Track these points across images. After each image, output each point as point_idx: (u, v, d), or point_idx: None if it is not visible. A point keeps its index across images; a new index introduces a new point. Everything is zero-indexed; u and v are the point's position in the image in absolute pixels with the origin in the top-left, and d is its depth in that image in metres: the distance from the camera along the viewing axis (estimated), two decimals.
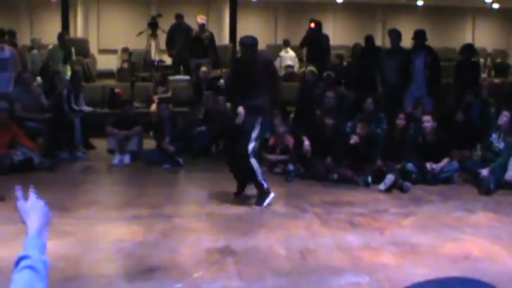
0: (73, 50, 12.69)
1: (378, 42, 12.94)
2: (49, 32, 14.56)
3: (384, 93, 10.65)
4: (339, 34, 17.88)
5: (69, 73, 12.19)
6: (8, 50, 10.51)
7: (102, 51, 17.44)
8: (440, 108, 10.00)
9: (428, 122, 8.37)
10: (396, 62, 10.35)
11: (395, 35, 10.78)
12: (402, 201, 7.34)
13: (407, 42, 11.09)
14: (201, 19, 13.59)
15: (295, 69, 15.11)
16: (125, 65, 14.49)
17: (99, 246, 5.44)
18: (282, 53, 15.97)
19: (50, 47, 12.85)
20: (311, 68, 11.42)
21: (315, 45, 12.56)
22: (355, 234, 5.79)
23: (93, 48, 16.68)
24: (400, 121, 8.64)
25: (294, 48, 15.79)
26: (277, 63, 15.51)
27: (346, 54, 16.31)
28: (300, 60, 15.12)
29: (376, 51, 11.56)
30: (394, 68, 10.37)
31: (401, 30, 11.02)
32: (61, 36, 12.52)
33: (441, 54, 11.73)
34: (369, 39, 11.68)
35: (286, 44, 16.14)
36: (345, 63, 14.18)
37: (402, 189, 7.71)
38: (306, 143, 8.63)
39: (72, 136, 10.21)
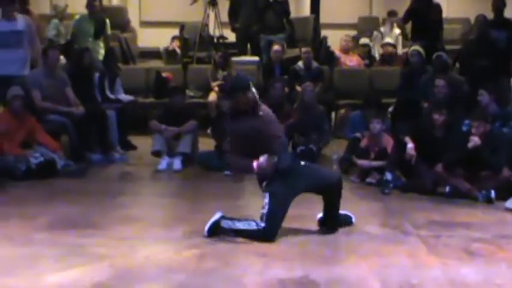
0: (107, 21, 12.82)
1: (509, 13, 12.79)
2: None
3: None
4: (454, 3, 17.72)
5: (102, 51, 12.39)
6: (21, 20, 10.16)
7: (146, 24, 17.78)
8: None
9: None
10: None
11: None
12: None
13: None
14: None
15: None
16: (175, 44, 14.67)
17: (141, 275, 5.52)
18: (384, 29, 15.80)
19: (77, 17, 13.03)
20: (416, 47, 11.37)
21: (422, 18, 12.48)
22: (473, 266, 5.74)
23: (133, 20, 16.97)
24: None
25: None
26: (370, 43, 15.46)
27: (463, 29, 16.20)
28: (406, 38, 15.01)
29: (509, 25, 11.44)
30: None
31: None
32: (91, 4, 12.66)
33: None
34: (499, 2, 11.54)
35: (392, 15, 15.86)
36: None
37: None
38: (410, 145, 8.59)
39: (106, 133, 10.41)
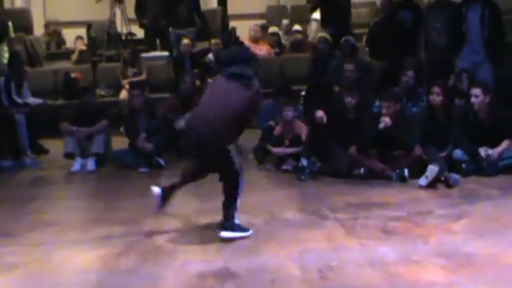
0: (10, 24, 12.66)
1: None
2: None
3: (427, 59, 10.70)
4: None
5: (6, 55, 12.17)
6: None
7: None
8: (503, 76, 10.03)
9: (477, 96, 8.39)
10: (443, 18, 10.44)
11: None
12: (450, 199, 7.36)
13: None
14: None
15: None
16: (80, 45, 14.52)
17: (58, 279, 5.45)
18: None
19: None
20: (323, 34, 11.51)
21: (331, 5, 12.57)
22: (390, 245, 5.82)
23: (38, 22, 16.67)
24: (435, 97, 8.61)
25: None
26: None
27: (370, 13, 16.38)
28: None
29: (412, 5, 11.62)
30: (440, 27, 10.45)
31: None
32: None
33: (503, 5, 11.64)
34: None
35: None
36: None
37: (449, 184, 7.73)
38: (319, 113, 8.71)
39: (15, 138, 10.22)
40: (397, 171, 8.12)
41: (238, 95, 6.20)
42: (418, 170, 7.96)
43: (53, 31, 15.84)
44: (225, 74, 6.39)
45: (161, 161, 9.53)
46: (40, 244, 6.31)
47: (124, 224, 6.81)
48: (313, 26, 14.81)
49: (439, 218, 6.57)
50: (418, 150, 8.25)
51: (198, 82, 11.38)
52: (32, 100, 11.22)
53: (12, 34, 12.65)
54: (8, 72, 11.16)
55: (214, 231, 6.36)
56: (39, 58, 14.53)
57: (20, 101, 10.93)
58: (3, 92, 10.73)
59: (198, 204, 7.45)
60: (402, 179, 8.05)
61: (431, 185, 7.69)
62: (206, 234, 6.36)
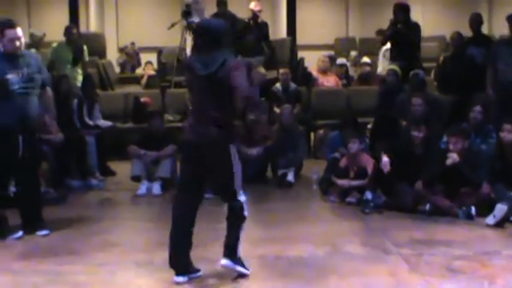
0: (85, 48, 12.84)
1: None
2: (53, 25, 14.80)
3: (496, 96, 10.55)
4: (429, 22, 17.80)
5: (80, 78, 12.35)
6: None
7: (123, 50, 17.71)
8: None
9: None
10: None
11: None
12: None
13: None
14: (256, 5, 13.68)
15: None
16: (149, 70, 14.65)
17: None
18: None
19: (55, 44, 13.00)
20: (392, 67, 11.41)
21: (401, 38, 12.46)
22: (455, 284, 5.72)
23: (111, 46, 16.95)
24: (506, 134, 8.41)
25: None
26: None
27: (440, 47, 16.28)
28: None
29: (485, 41, 11.48)
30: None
31: None
32: (69, 31, 12.67)
33: None
34: (477, 20, 11.59)
35: (381, 33, 15.66)
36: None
37: None
38: (385, 159, 8.59)
39: (85, 159, 10.37)
40: (464, 208, 7.98)
41: None
42: (486, 208, 7.81)
43: (130, 52, 16.07)
44: None
45: None
46: (105, 264, 6.35)
47: None
48: (384, 58, 14.71)
49: (507, 259, 6.44)
50: (485, 187, 8.10)
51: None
52: (102, 122, 11.37)
53: (86, 57, 12.80)
54: (81, 94, 11.32)
55: (277, 259, 6.35)
56: (111, 82, 14.75)
57: (91, 123, 11.09)
58: (76, 114, 10.90)
59: (261, 232, 7.41)
60: (469, 217, 7.91)
61: (499, 224, 7.54)
62: (269, 262, 6.34)
